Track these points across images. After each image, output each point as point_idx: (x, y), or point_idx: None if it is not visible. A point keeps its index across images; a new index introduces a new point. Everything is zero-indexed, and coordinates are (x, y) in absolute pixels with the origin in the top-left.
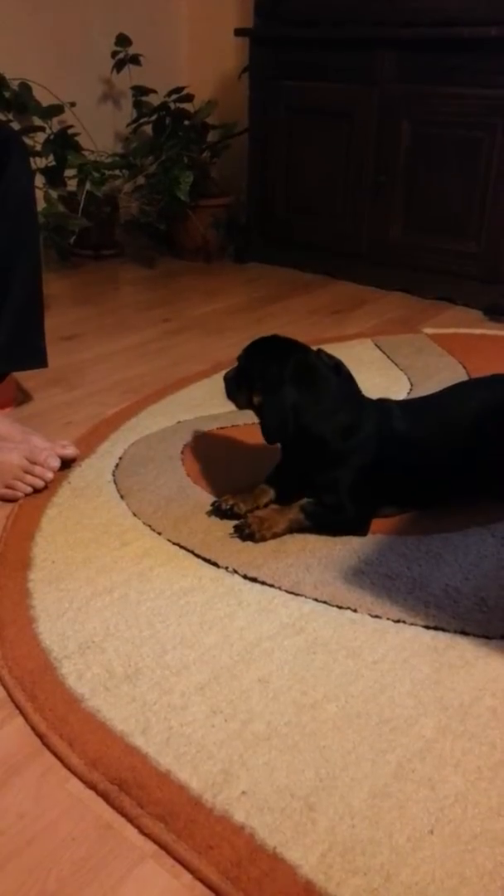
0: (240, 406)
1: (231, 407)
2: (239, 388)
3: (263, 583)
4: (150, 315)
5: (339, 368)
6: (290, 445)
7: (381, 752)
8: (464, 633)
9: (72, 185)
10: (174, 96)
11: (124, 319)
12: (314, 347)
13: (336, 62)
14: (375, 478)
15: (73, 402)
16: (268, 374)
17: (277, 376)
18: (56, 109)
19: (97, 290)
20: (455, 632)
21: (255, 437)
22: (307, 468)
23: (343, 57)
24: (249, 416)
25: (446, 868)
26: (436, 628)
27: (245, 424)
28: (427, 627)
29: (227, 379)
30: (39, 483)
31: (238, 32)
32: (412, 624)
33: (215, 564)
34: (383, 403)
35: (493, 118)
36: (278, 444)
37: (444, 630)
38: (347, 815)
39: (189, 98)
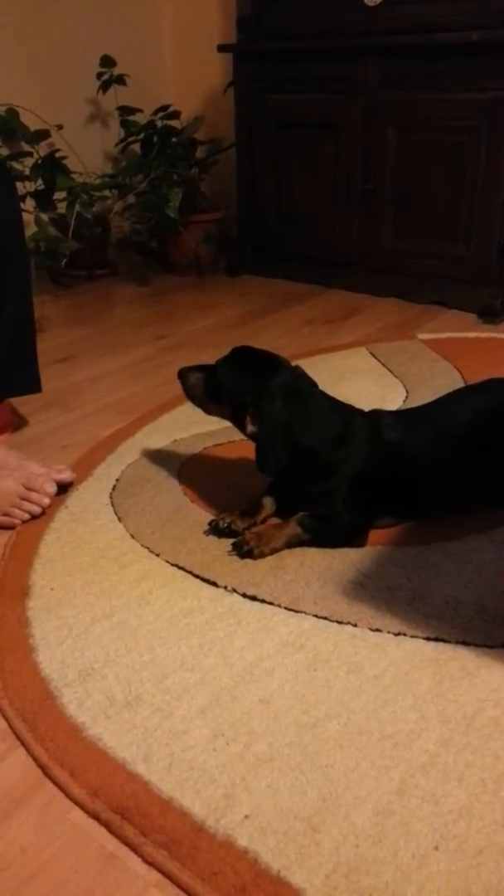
0: (207, 411)
1: (224, 423)
2: (216, 397)
3: (263, 600)
4: (144, 333)
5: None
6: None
7: (383, 769)
8: (465, 643)
9: (62, 207)
10: (161, 114)
11: (119, 339)
12: (293, 363)
13: (320, 73)
14: (369, 487)
15: (69, 425)
16: (264, 407)
17: (275, 409)
18: (43, 134)
19: (91, 310)
20: (456, 642)
21: (251, 452)
22: (300, 481)
23: (327, 68)
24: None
25: (452, 885)
26: (437, 639)
27: (241, 440)
28: (428, 639)
29: (192, 385)
30: (36, 509)
31: (221, 48)
32: (413, 636)
33: (214, 584)
34: (374, 413)
35: (477, 121)
36: None
37: (444, 641)
38: (351, 834)
39: (176, 115)
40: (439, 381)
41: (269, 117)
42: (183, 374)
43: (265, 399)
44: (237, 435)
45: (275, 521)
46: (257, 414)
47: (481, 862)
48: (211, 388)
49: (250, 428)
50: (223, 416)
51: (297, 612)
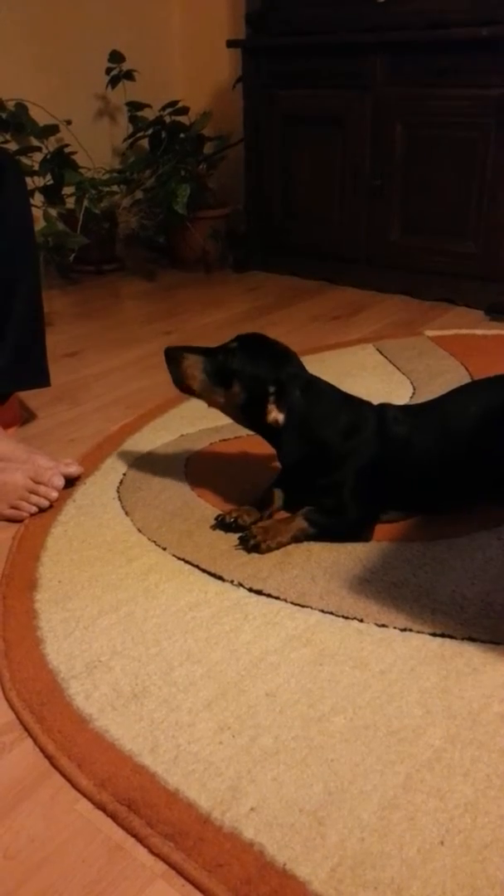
0: (205, 396)
1: (227, 419)
2: (222, 383)
3: (269, 595)
4: (152, 328)
5: None
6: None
7: (389, 764)
8: (471, 639)
9: (70, 202)
10: (169, 110)
11: (126, 334)
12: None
13: (328, 68)
14: (376, 480)
15: (77, 419)
16: (288, 396)
17: (298, 397)
18: (52, 129)
19: (99, 305)
20: (462, 638)
21: (258, 448)
22: (309, 473)
23: (335, 63)
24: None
25: (457, 879)
26: (443, 635)
27: (249, 436)
28: (434, 635)
29: (189, 366)
30: (44, 503)
31: (230, 44)
32: (419, 632)
33: (220, 578)
34: (382, 407)
35: (486, 118)
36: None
37: (451, 637)
38: (357, 828)
39: (184, 111)
40: (446, 377)
41: (278, 113)
42: (173, 357)
43: (291, 385)
44: (244, 431)
45: (282, 514)
46: (283, 400)
47: (486, 857)
48: (216, 372)
49: (274, 415)
50: (226, 402)
51: (303, 606)
